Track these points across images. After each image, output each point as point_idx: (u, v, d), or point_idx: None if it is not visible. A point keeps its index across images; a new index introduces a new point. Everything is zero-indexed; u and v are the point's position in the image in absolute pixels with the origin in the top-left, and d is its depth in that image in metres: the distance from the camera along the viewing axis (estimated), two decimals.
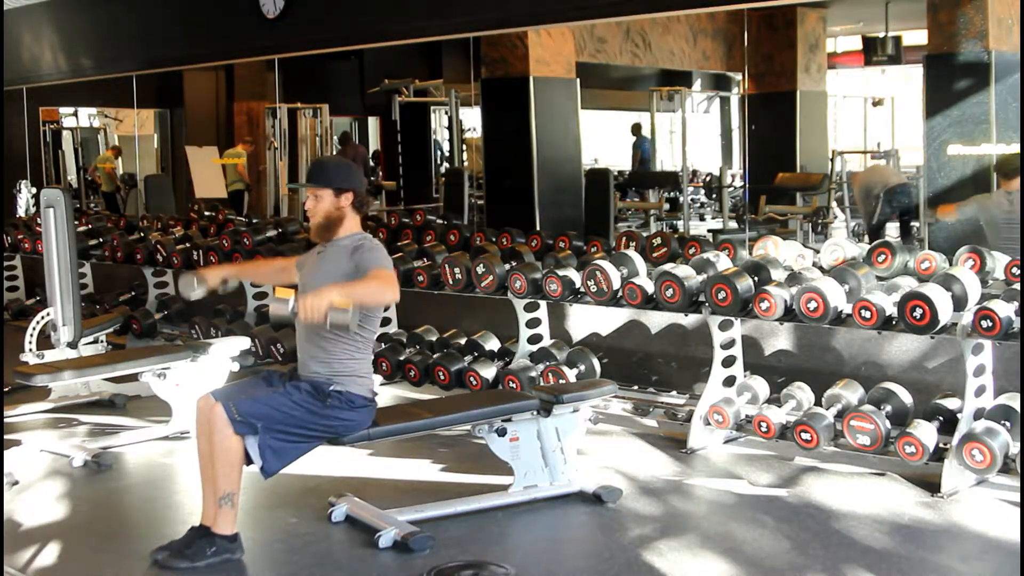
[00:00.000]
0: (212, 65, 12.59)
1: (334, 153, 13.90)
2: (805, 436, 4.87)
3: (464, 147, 13.06)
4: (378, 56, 13.36)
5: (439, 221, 8.66)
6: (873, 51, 12.86)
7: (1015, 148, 6.65)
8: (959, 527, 4.21)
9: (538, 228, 8.40)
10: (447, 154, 13.85)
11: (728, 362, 5.36)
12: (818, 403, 5.13)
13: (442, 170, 13.49)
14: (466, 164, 12.51)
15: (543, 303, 6.04)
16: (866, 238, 9.63)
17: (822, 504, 4.48)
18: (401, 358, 6.36)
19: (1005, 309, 4.42)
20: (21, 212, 11.65)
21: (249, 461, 3.89)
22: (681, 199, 11.84)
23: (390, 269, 3.97)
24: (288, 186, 12.25)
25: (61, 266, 6.35)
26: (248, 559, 3.93)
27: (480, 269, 5.97)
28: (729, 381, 5.36)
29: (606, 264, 5.48)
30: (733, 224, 11.23)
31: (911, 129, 13.86)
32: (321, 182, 4.05)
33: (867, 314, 4.66)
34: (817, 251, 5.66)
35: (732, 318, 5.24)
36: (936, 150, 7.10)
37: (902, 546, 4.02)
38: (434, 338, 6.53)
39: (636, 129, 14.47)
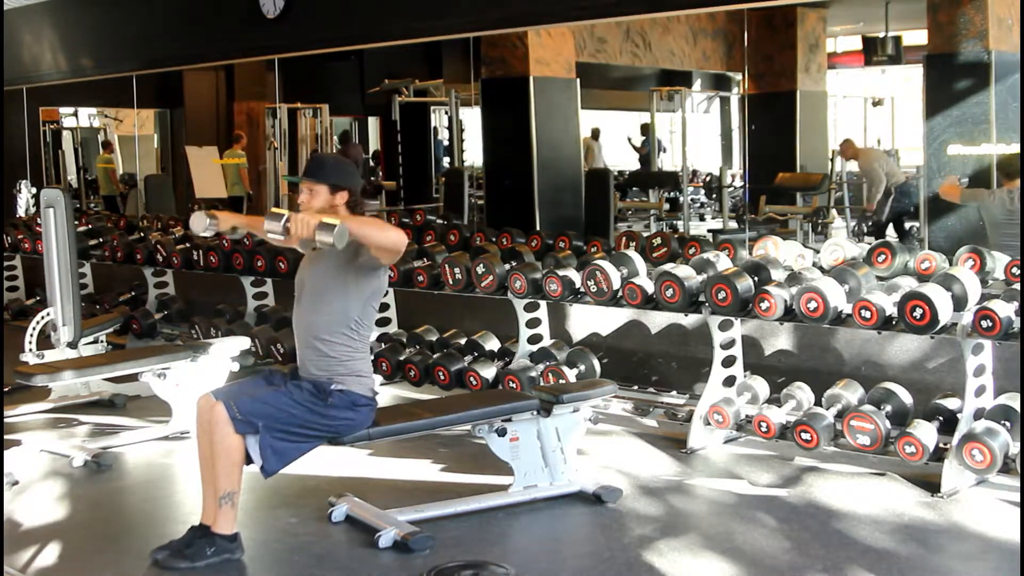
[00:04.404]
0: (212, 65, 12.57)
1: (335, 152, 13.86)
2: (805, 436, 4.87)
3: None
4: (378, 56, 13.32)
5: (439, 221, 8.66)
6: (873, 51, 12.84)
7: (1015, 148, 6.64)
8: (959, 527, 4.21)
9: (538, 228, 8.39)
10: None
11: (728, 362, 5.36)
12: (818, 403, 5.12)
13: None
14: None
15: (543, 303, 6.04)
16: (870, 226, 9.61)
17: (822, 504, 4.48)
18: (401, 358, 6.36)
19: (1005, 309, 4.42)
20: (21, 212, 11.63)
21: (249, 460, 3.89)
22: (681, 199, 11.83)
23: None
24: (285, 178, 12.21)
25: (61, 266, 6.35)
26: (248, 559, 3.93)
27: (480, 269, 5.96)
28: (729, 381, 5.36)
29: (606, 264, 5.48)
30: (733, 224, 11.21)
31: (911, 129, 13.84)
32: (318, 177, 4.03)
33: (867, 314, 4.66)
34: (817, 251, 5.66)
35: (732, 318, 5.24)
36: (936, 150, 7.08)
37: (902, 546, 4.02)
38: (434, 338, 6.52)
39: (645, 129, 14.49)
